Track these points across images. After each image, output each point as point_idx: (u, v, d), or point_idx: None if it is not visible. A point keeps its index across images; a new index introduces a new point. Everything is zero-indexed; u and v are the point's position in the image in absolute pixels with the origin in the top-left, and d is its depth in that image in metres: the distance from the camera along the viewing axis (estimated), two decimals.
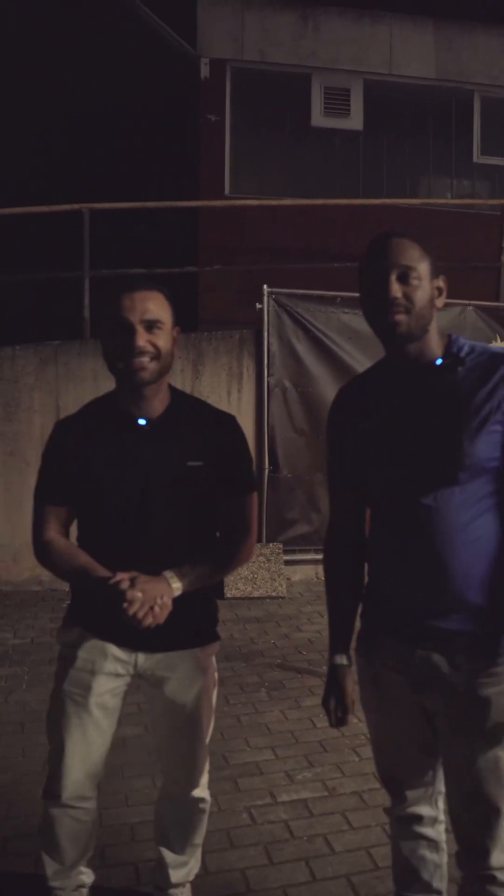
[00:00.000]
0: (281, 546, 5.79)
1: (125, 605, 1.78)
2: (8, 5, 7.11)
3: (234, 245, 7.30)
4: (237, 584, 5.61)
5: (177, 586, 1.88)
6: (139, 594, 1.79)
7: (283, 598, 5.58)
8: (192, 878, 2.26)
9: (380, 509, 1.80)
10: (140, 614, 1.79)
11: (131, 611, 1.78)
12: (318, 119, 8.28)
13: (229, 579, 5.69)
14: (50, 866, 2.13)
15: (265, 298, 5.77)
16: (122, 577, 1.81)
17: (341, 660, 1.88)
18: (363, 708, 1.94)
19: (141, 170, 8.70)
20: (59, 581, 5.56)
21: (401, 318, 1.66)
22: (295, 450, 5.95)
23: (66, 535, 2.04)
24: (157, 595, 1.82)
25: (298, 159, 8.28)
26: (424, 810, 1.93)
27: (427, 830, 1.94)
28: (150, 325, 1.88)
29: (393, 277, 1.65)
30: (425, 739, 1.83)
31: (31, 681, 4.05)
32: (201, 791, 2.17)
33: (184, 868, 2.22)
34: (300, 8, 7.92)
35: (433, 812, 1.94)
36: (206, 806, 2.21)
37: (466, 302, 5.96)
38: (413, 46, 8.24)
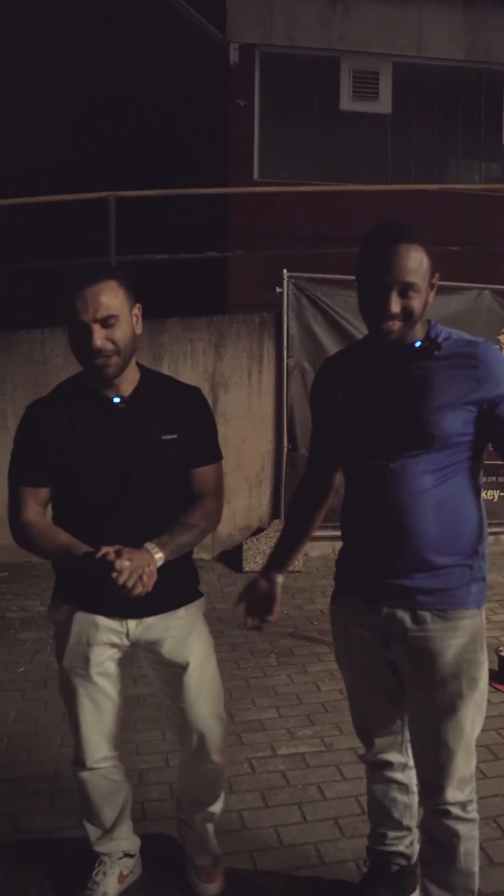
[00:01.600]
0: None
1: (114, 575, 1.84)
2: None
3: (261, 229, 7.43)
4: (255, 558, 5.83)
5: (159, 556, 1.94)
6: (127, 563, 1.85)
7: (299, 572, 5.78)
8: (215, 818, 2.33)
9: (351, 474, 1.99)
10: (130, 583, 1.85)
11: (121, 581, 1.84)
12: (347, 103, 8.32)
13: (248, 554, 5.92)
14: (92, 832, 2.27)
15: (285, 282, 5.92)
16: (108, 550, 1.87)
17: (266, 573, 2.21)
18: (337, 663, 2.15)
19: (170, 155, 8.85)
20: None
21: (395, 326, 1.80)
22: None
23: (44, 515, 2.07)
24: (142, 564, 1.88)
25: (327, 144, 8.35)
26: (394, 757, 2.14)
27: (397, 775, 2.15)
28: (105, 321, 1.90)
29: (394, 293, 1.76)
30: (392, 691, 2.03)
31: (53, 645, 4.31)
32: (218, 756, 2.23)
33: (207, 808, 2.30)
34: None
35: (402, 759, 2.15)
36: (223, 770, 2.27)
37: (482, 286, 6.05)
38: (443, 28, 8.22)
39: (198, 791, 2.31)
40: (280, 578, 2.20)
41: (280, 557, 2.21)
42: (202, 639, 2.20)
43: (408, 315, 1.79)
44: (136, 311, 2.01)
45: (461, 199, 7.67)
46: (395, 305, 1.77)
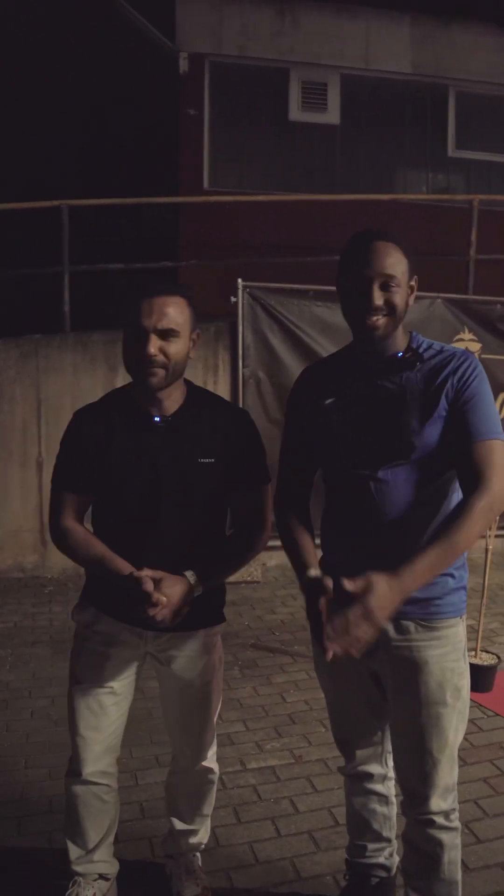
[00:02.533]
0: None
1: (151, 611, 1.83)
2: None
3: (213, 239, 7.43)
4: None
5: (199, 591, 1.93)
6: (164, 599, 1.84)
7: (258, 582, 5.76)
8: (202, 846, 2.37)
9: (334, 483, 1.97)
10: (159, 617, 1.85)
11: (153, 613, 1.84)
12: (296, 113, 8.40)
13: None
14: (73, 851, 2.22)
15: (239, 292, 5.90)
16: (146, 575, 1.84)
17: (313, 572, 1.79)
18: (317, 674, 2.13)
19: (121, 164, 8.79)
20: (41, 569, 5.75)
21: (380, 322, 1.81)
22: (269, 439, 5.87)
23: (82, 522, 2.07)
24: (180, 604, 1.87)
25: (276, 153, 8.41)
26: (374, 768, 2.13)
27: (377, 787, 2.14)
28: (165, 334, 1.89)
29: (376, 286, 1.79)
30: (374, 702, 2.02)
31: (14, 662, 4.21)
32: (210, 762, 2.27)
33: (194, 836, 2.31)
34: (278, 3, 8.02)
35: (383, 770, 2.14)
36: (215, 777, 2.31)
37: (435, 294, 6.13)
38: (389, 41, 8.37)
39: (191, 797, 2.29)
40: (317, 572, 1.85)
41: (309, 551, 1.94)
42: (215, 659, 2.19)
43: (391, 309, 1.81)
44: (195, 336, 2.01)
45: (411, 209, 7.79)
46: (378, 298, 1.79)
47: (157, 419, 2.00)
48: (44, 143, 8.86)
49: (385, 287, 1.80)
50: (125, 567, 1.92)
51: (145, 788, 2.93)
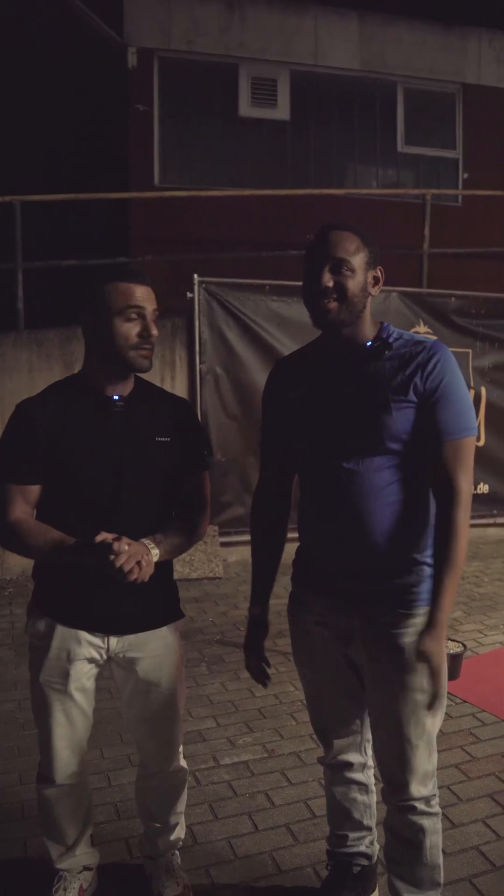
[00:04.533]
0: (217, 528, 5.95)
1: (112, 557, 1.82)
2: None
3: (165, 235, 7.38)
4: (175, 566, 5.74)
5: (155, 552, 1.93)
6: (125, 547, 1.85)
7: (219, 578, 5.75)
8: (180, 844, 2.36)
9: (306, 475, 1.98)
10: (127, 567, 1.84)
11: (118, 563, 1.82)
12: (246, 109, 8.39)
13: None
14: (54, 850, 2.21)
15: (196, 287, 5.89)
16: (107, 536, 1.85)
17: (254, 609, 2.12)
18: (296, 664, 2.13)
19: (69, 160, 8.67)
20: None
21: (332, 305, 1.82)
22: (228, 434, 6.10)
23: (32, 515, 2.03)
24: (141, 553, 1.88)
25: (227, 149, 8.39)
26: (353, 757, 2.14)
27: (357, 775, 2.15)
28: (152, 318, 1.97)
29: (326, 269, 1.82)
30: (352, 690, 2.02)
31: None
32: (181, 762, 2.27)
33: (171, 835, 2.30)
34: None
35: (362, 759, 2.15)
36: (186, 775, 2.30)
37: (391, 288, 6.19)
38: (338, 38, 8.42)
39: (166, 798, 2.27)
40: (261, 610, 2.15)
41: (266, 584, 2.15)
42: (177, 659, 2.17)
43: (342, 293, 1.82)
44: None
45: (361, 203, 7.85)
46: (328, 280, 1.82)
47: (115, 398, 2.02)
48: None
49: (336, 270, 1.82)
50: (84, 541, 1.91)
51: (119, 789, 2.90)
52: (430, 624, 1.79)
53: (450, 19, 8.61)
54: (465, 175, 8.87)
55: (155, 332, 1.97)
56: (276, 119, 8.46)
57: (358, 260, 1.84)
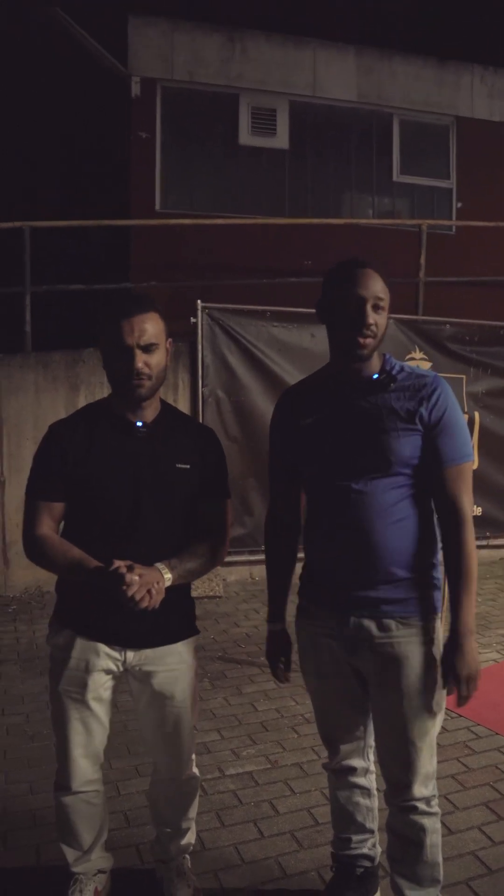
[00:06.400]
0: None
1: (124, 587, 1.92)
2: None
3: (166, 260, 7.55)
4: None
5: (168, 577, 2.02)
6: (136, 577, 1.94)
7: (219, 597, 5.86)
8: (191, 848, 2.45)
9: (315, 496, 2.12)
10: (138, 596, 1.94)
11: (130, 593, 1.92)
12: (246, 138, 8.62)
13: None
14: (70, 854, 2.31)
15: (199, 313, 6.03)
16: (120, 564, 1.95)
17: (275, 626, 2.29)
18: (303, 674, 2.26)
19: (73, 186, 8.86)
20: (3, 587, 5.74)
21: (369, 342, 1.98)
22: (229, 456, 5.99)
23: (57, 531, 2.14)
24: (152, 581, 1.97)
25: (227, 176, 8.60)
26: (357, 762, 2.26)
27: (360, 780, 2.27)
28: (148, 348, 2.04)
29: (369, 306, 1.95)
30: (357, 699, 2.15)
31: None
32: (194, 769, 2.37)
33: (183, 839, 2.39)
34: (228, 31, 8.24)
35: (365, 763, 2.27)
36: (198, 782, 2.40)
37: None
38: (335, 71, 8.68)
39: (178, 804, 2.36)
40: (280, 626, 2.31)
41: (283, 601, 2.30)
42: (192, 673, 2.28)
43: (377, 331, 1.97)
44: (169, 344, 2.14)
45: (358, 231, 8.05)
46: (371, 317, 1.95)
47: (139, 424, 2.13)
48: None
49: (376, 309, 1.96)
50: (101, 565, 2.01)
51: (128, 798, 3.01)
52: (455, 642, 1.97)
53: (444, 55, 8.89)
54: (459, 204, 9.10)
55: (139, 365, 2.03)
56: (275, 148, 8.69)
57: (387, 299, 1.99)
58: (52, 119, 8.57)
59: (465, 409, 6.68)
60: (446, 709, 2.09)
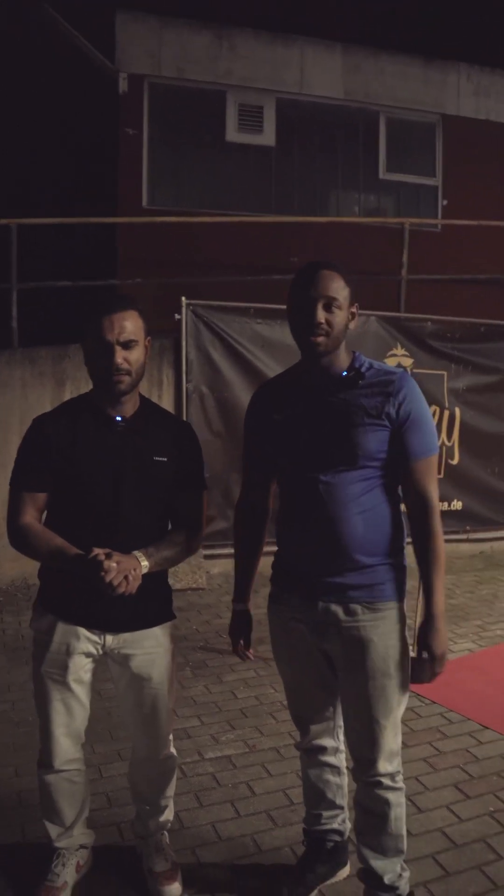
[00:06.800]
0: None
1: (102, 573, 2.03)
2: None
3: (152, 256, 7.62)
4: None
5: (145, 564, 2.13)
6: (114, 564, 2.05)
7: (203, 589, 5.95)
8: (168, 825, 2.56)
9: (286, 487, 2.23)
10: (115, 582, 2.04)
11: (108, 578, 2.03)
12: (233, 134, 8.68)
13: None
14: (53, 830, 2.41)
15: (183, 310, 6.11)
16: (99, 552, 2.06)
17: (238, 606, 2.40)
18: (275, 658, 2.36)
19: (61, 181, 8.90)
20: None
21: (322, 339, 2.08)
22: (212, 451, 6.29)
23: (40, 520, 2.24)
24: (129, 567, 2.08)
25: (214, 173, 8.66)
26: (327, 742, 2.37)
27: (330, 759, 2.38)
28: (127, 344, 2.14)
29: (319, 305, 2.06)
30: (326, 680, 2.26)
31: None
32: (171, 749, 2.47)
33: (161, 816, 2.50)
34: (216, 28, 8.29)
35: (335, 743, 2.38)
36: (175, 761, 2.51)
37: (370, 312, 6.45)
38: (322, 68, 8.75)
39: (156, 782, 2.47)
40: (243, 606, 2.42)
41: (248, 583, 2.41)
42: (168, 657, 2.38)
43: (330, 328, 2.07)
44: (148, 342, 2.25)
45: (343, 228, 8.14)
46: (321, 316, 2.05)
47: (118, 418, 2.23)
48: None
49: (327, 308, 2.06)
50: (82, 552, 2.11)
51: (110, 780, 3.11)
52: (431, 623, 2.10)
53: (431, 53, 8.97)
54: (445, 202, 9.20)
55: (119, 361, 2.12)
56: (261, 145, 8.75)
57: (343, 298, 2.09)
58: (39, 115, 8.60)
59: (447, 405, 6.80)
60: (418, 695, 2.20)
